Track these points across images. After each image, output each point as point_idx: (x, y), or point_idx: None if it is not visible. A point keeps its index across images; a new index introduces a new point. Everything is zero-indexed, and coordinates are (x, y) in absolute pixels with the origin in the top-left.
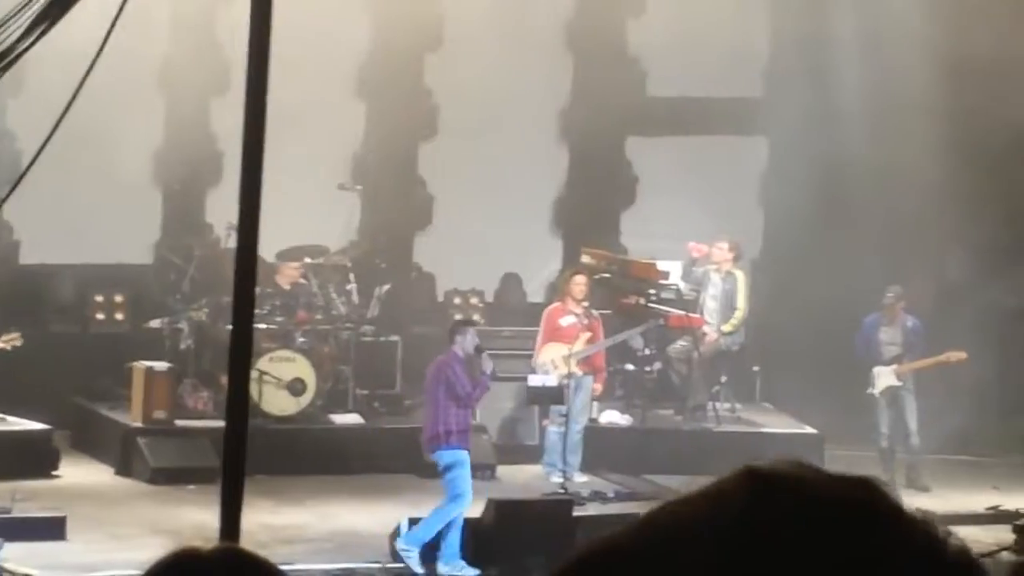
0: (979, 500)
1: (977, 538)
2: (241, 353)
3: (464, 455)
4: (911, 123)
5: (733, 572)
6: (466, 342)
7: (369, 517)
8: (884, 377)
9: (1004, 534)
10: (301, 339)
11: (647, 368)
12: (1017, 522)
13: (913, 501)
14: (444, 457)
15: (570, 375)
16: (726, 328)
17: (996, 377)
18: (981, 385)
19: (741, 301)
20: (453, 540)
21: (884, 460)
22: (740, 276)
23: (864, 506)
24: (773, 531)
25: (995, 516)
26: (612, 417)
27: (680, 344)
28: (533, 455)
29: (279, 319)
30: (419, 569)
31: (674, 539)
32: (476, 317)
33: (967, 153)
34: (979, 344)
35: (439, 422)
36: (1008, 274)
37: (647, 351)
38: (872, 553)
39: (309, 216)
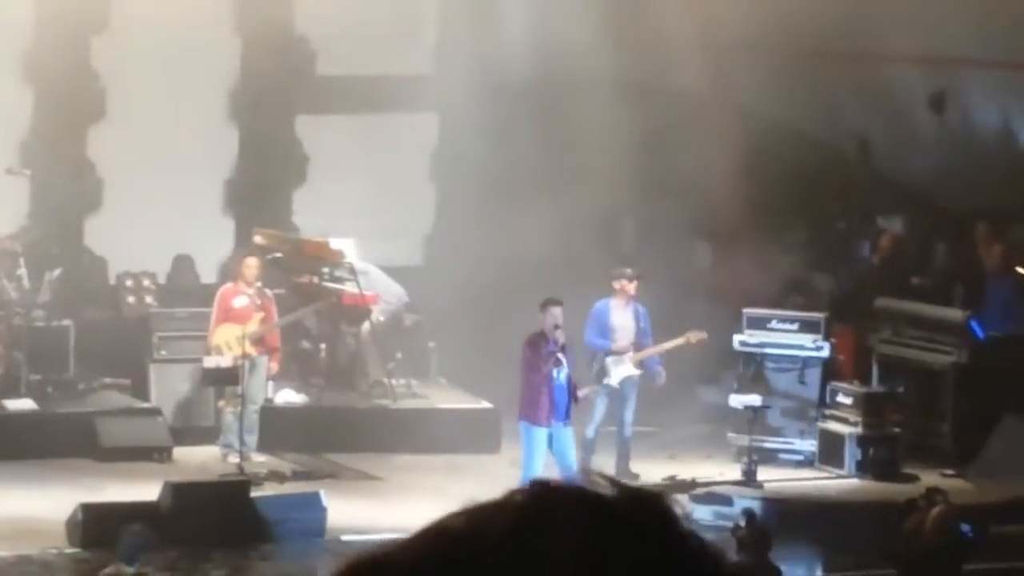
0: (657, 470)
1: None
2: None
3: (536, 431)
4: (581, 97)
5: None
6: (546, 320)
7: (45, 503)
8: (623, 366)
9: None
10: None
11: (322, 346)
12: (694, 491)
13: None
14: (521, 429)
15: (245, 356)
16: None
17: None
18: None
19: None
20: None
21: (586, 449)
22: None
23: (642, 519)
24: (551, 538)
25: (673, 486)
26: (288, 396)
27: (355, 322)
28: (209, 436)
29: None
30: None
31: (451, 545)
32: (149, 300)
33: (635, 127)
34: (650, 313)
35: (521, 396)
36: (677, 246)
37: (322, 329)
38: (641, 564)
39: None
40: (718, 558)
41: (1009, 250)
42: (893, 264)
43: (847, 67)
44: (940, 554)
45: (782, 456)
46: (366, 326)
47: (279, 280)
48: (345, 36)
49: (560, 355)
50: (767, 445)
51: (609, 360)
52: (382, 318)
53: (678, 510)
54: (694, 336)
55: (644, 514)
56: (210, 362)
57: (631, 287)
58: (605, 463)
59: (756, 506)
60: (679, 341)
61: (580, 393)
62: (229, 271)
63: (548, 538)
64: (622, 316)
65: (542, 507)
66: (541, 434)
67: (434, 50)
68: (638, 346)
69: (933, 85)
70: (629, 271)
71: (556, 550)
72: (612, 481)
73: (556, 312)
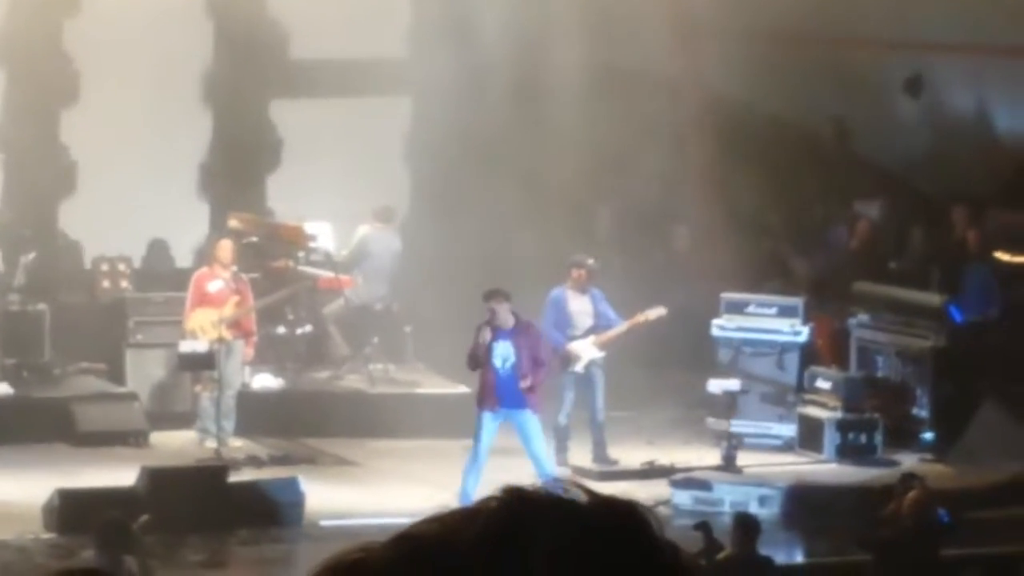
0: (635, 455)
1: (633, 493)
2: None
3: (482, 415)
4: (556, 79)
5: None
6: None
7: (21, 488)
8: (587, 351)
9: (660, 489)
10: None
11: (298, 331)
12: (673, 476)
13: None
14: None
15: (220, 340)
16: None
17: (644, 330)
18: (629, 338)
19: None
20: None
21: (559, 437)
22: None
23: (616, 528)
24: (524, 544)
25: (650, 471)
26: (265, 381)
27: (330, 306)
28: (186, 421)
29: None
30: None
31: (426, 550)
32: (124, 284)
33: (611, 110)
34: (628, 298)
35: None
36: (653, 230)
37: (298, 314)
38: (616, 572)
39: None
40: (692, 567)
41: (986, 234)
42: (870, 248)
43: (824, 50)
44: (916, 539)
45: (761, 441)
46: (335, 306)
47: (254, 264)
48: (318, 19)
49: (498, 342)
50: (746, 430)
51: (572, 345)
52: (355, 301)
53: (652, 519)
54: (652, 313)
55: (618, 522)
56: (186, 347)
57: (586, 275)
58: (582, 450)
59: (773, 494)
60: (638, 319)
61: (523, 384)
62: (204, 255)
63: (521, 546)
64: (579, 301)
65: (515, 514)
66: (484, 418)
67: (408, 33)
68: (598, 329)
69: (910, 69)
70: (591, 261)
71: (529, 557)
72: (586, 490)
73: (490, 306)
